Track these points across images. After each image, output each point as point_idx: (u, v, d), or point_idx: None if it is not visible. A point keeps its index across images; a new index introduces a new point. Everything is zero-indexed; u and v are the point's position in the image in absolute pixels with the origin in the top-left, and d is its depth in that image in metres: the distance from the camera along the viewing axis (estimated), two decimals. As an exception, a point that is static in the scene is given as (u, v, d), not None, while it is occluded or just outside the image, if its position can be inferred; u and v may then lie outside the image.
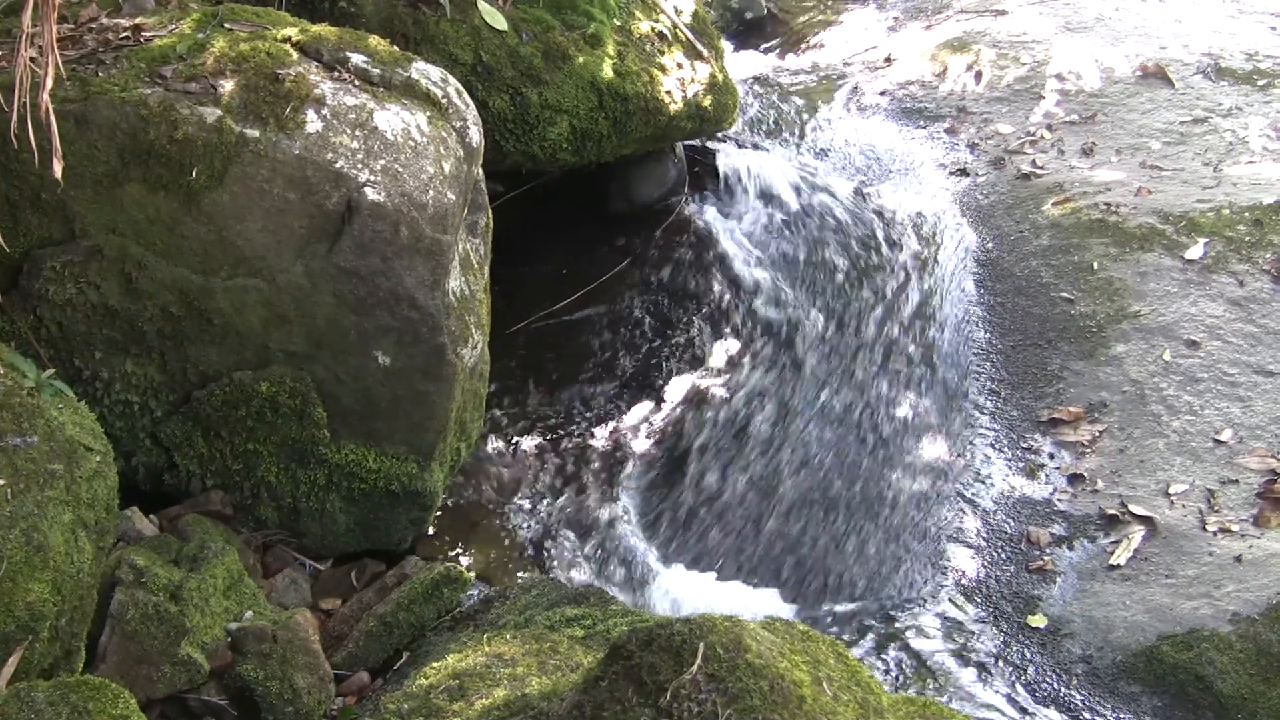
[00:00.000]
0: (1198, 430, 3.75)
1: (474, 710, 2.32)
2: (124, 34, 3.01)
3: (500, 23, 3.92)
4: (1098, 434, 3.80)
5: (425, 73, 3.14)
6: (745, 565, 3.69)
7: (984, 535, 3.63)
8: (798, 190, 4.75)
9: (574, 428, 4.03)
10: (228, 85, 2.89)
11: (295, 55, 3.02)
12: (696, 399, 4.10)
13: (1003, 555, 3.57)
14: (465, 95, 3.22)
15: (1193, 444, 3.71)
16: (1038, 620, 3.36)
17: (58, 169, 2.53)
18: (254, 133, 2.85)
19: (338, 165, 2.88)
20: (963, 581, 3.53)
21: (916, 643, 3.36)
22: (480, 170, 3.31)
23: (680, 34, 4.51)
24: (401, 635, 3.03)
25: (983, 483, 3.77)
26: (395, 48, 3.21)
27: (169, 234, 2.89)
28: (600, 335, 4.33)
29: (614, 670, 1.81)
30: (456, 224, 3.09)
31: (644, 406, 4.10)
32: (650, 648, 1.79)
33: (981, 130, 5.20)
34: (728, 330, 4.34)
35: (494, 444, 3.94)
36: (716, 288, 4.45)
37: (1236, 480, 3.58)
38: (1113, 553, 3.46)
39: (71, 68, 2.84)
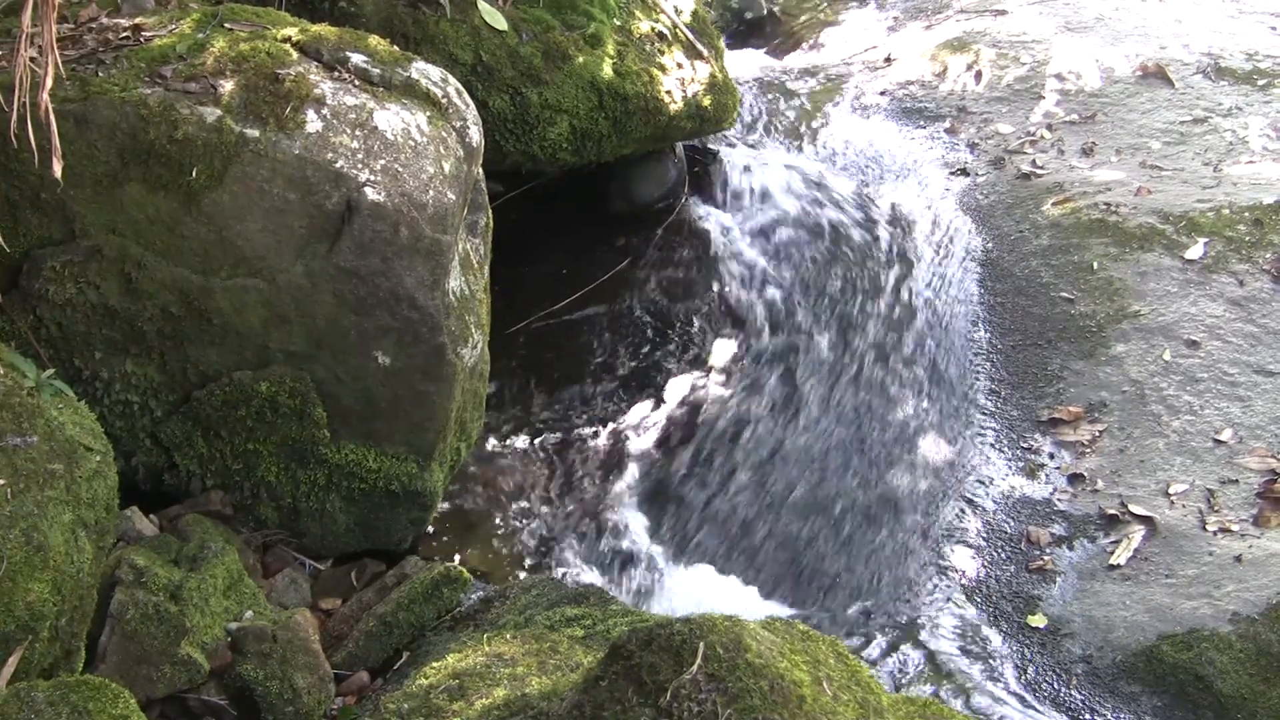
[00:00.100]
0: (1198, 430, 3.75)
1: (474, 710, 2.32)
2: (124, 34, 3.01)
3: (500, 23, 3.92)
4: (1098, 434, 3.80)
5: (425, 73, 3.14)
6: (745, 565, 3.69)
7: (984, 535, 3.63)
8: (797, 190, 4.75)
9: (574, 427, 4.03)
10: (228, 85, 2.89)
11: (295, 55, 3.02)
12: (696, 399, 4.10)
13: (1003, 555, 3.57)
14: (465, 95, 3.22)
15: (1193, 444, 3.71)
16: (1038, 620, 3.36)
17: (57, 169, 2.53)
18: (254, 133, 2.85)
19: (338, 165, 2.88)
20: (963, 581, 3.52)
21: (916, 642, 3.36)
22: (480, 170, 3.31)
23: (680, 34, 4.51)
24: (401, 635, 3.03)
25: (983, 482, 3.77)
26: (395, 48, 3.21)
27: (169, 234, 2.89)
28: (600, 335, 4.33)
29: (614, 670, 1.81)
30: (456, 224, 3.09)
31: (644, 406, 4.10)
32: (650, 647, 1.79)
33: (981, 130, 5.20)
34: (727, 330, 4.34)
35: (494, 444, 3.94)
36: (716, 287, 4.46)
37: (1236, 480, 3.58)
38: (1113, 552, 3.46)
39: (71, 68, 2.84)
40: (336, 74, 3.02)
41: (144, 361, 3.00)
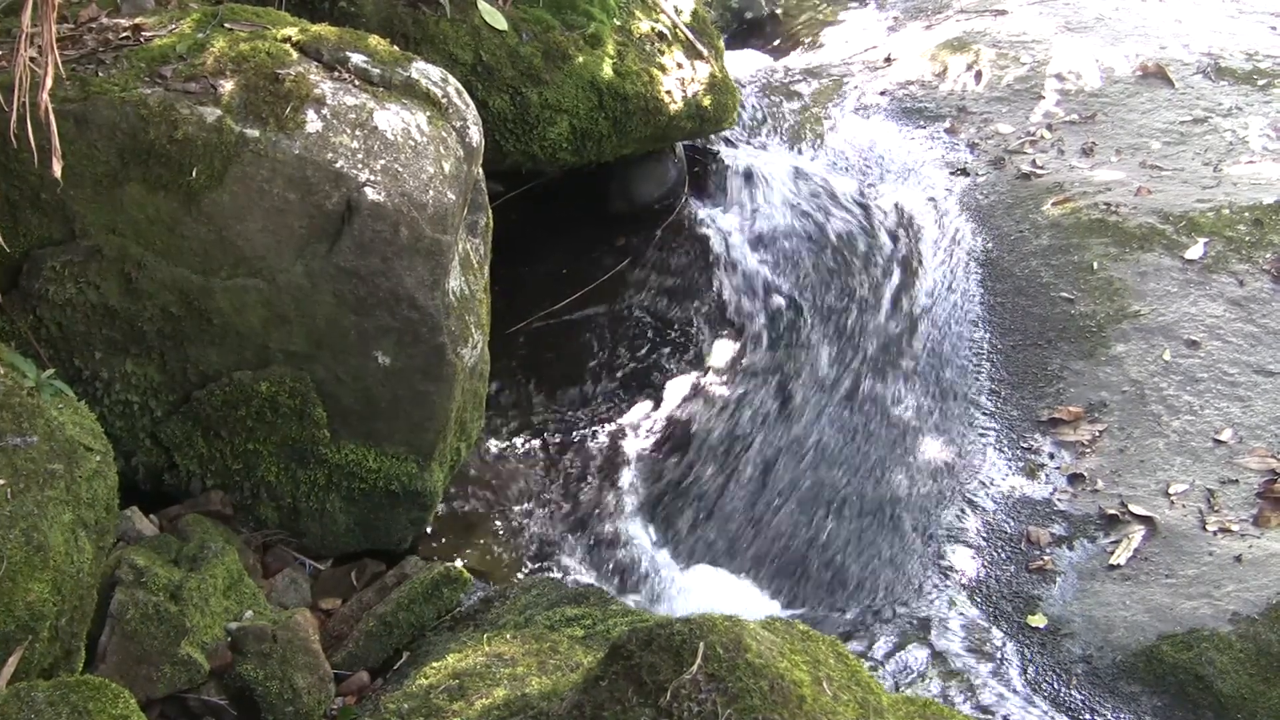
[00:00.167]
0: (1198, 430, 3.75)
1: (474, 710, 2.32)
2: (124, 34, 3.01)
3: (500, 23, 3.92)
4: (1098, 434, 3.80)
5: (425, 72, 3.14)
6: (745, 564, 3.69)
7: (984, 535, 3.63)
8: (797, 189, 4.75)
9: (574, 427, 4.03)
10: (228, 85, 2.89)
11: (295, 55, 3.02)
12: (696, 398, 4.10)
13: (1003, 555, 3.57)
14: (465, 95, 3.22)
15: (1193, 444, 3.71)
16: (1038, 620, 3.36)
17: (57, 169, 2.53)
18: (254, 133, 2.85)
19: (338, 165, 2.88)
20: (963, 581, 3.52)
21: (916, 642, 3.36)
22: (480, 170, 3.31)
23: (680, 34, 4.51)
24: (401, 635, 3.03)
25: (983, 482, 3.77)
26: (395, 47, 3.21)
27: (169, 234, 2.89)
28: (600, 335, 4.33)
29: (614, 670, 1.81)
30: (456, 224, 3.09)
31: (644, 406, 4.10)
32: (650, 647, 1.79)
33: (981, 130, 5.20)
34: (728, 329, 4.34)
35: (494, 444, 3.94)
36: (716, 287, 4.46)
37: (1236, 480, 3.58)
38: (1113, 552, 3.46)
39: (71, 67, 2.84)
40: (336, 74, 3.02)
41: (144, 361, 3.00)
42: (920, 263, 4.50)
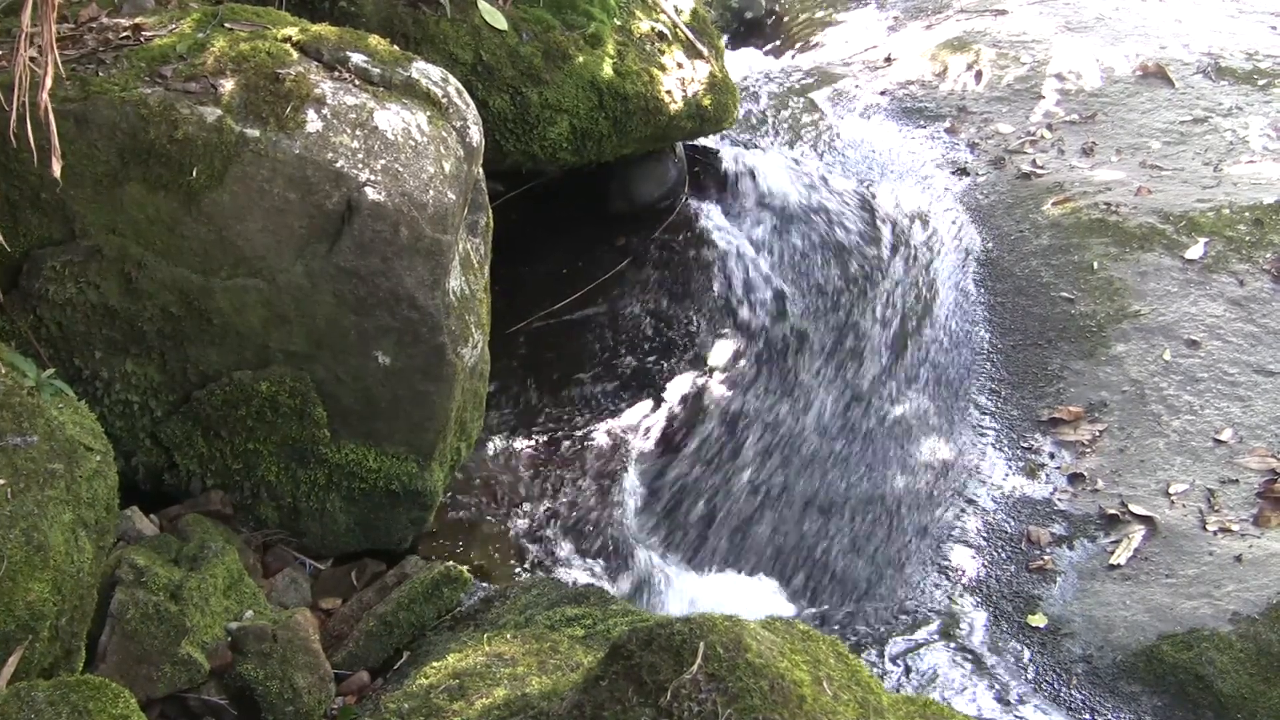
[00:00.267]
0: (1198, 430, 3.75)
1: (474, 710, 2.32)
2: (124, 33, 3.01)
3: (500, 22, 3.92)
4: (1098, 433, 3.80)
5: (425, 72, 3.14)
6: (745, 564, 3.69)
7: (984, 535, 3.63)
8: (797, 189, 4.75)
9: (574, 427, 4.03)
10: (228, 85, 2.89)
11: (295, 55, 3.02)
12: (696, 398, 4.10)
13: (1003, 555, 3.57)
14: (465, 95, 3.22)
15: (1193, 443, 3.71)
16: (1038, 620, 3.36)
17: (57, 169, 2.53)
18: (254, 132, 2.85)
19: (338, 165, 2.88)
20: (963, 581, 3.52)
21: (917, 642, 3.36)
22: (480, 170, 3.31)
23: (680, 33, 4.51)
24: (401, 635, 3.02)
25: (983, 482, 3.77)
26: (395, 47, 3.21)
27: (169, 234, 2.89)
28: (600, 335, 4.33)
29: (614, 670, 1.81)
30: (456, 224, 3.09)
31: (644, 406, 4.10)
32: (650, 647, 1.79)
33: (981, 130, 5.20)
34: (728, 329, 4.34)
35: (494, 443, 3.94)
36: (716, 287, 4.45)
37: (1236, 480, 3.58)
38: (1113, 552, 3.46)
39: (71, 67, 2.83)
40: (337, 74, 3.02)
41: (144, 361, 3.00)
42: (920, 262, 4.50)
